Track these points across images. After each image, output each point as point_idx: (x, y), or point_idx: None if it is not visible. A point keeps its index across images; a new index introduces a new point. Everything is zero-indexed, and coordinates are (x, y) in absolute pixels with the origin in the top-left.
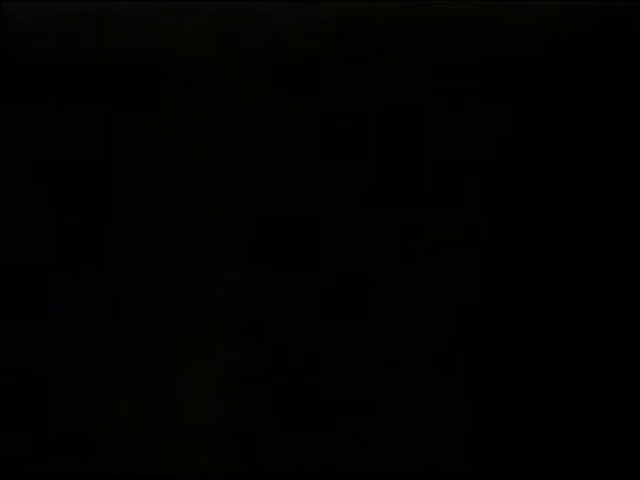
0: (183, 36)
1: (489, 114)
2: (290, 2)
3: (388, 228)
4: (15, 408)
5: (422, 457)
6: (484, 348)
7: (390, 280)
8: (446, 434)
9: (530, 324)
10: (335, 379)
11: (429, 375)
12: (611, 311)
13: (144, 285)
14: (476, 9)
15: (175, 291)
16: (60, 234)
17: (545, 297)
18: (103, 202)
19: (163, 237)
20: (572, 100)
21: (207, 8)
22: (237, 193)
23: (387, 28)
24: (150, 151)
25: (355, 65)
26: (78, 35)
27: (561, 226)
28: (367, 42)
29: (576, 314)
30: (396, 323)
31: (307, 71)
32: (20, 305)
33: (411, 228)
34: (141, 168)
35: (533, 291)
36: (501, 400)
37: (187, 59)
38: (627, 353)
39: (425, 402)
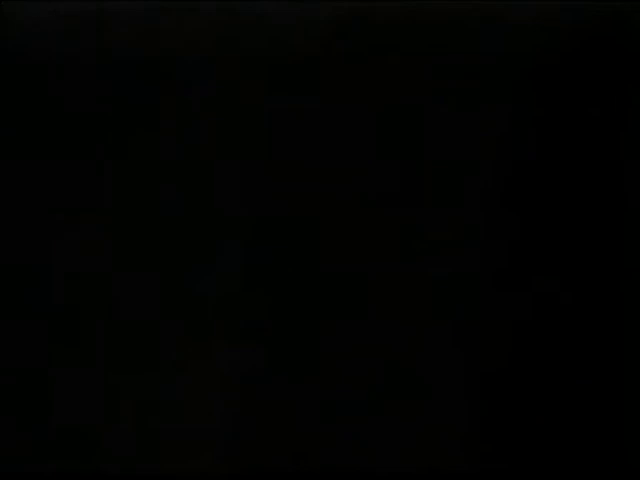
0: (183, 36)
1: (489, 114)
2: (290, 2)
3: (388, 228)
4: (15, 408)
5: (422, 457)
6: (484, 348)
7: (390, 280)
8: (446, 434)
9: (530, 324)
10: (335, 379)
11: (429, 375)
12: (611, 311)
13: (144, 285)
14: (476, 9)
15: (175, 291)
16: (60, 233)
17: (545, 297)
18: (103, 202)
19: (163, 237)
20: (572, 100)
21: (207, 8)
22: (237, 193)
23: (387, 28)
24: (150, 151)
25: (355, 65)
26: (78, 35)
27: (561, 226)
28: (367, 42)
29: (576, 314)
30: (396, 323)
31: (307, 71)
32: (20, 305)
33: (411, 228)
34: (141, 168)
35: (533, 291)
36: (501, 400)
37: (187, 59)
38: (627, 353)
39: (425, 402)
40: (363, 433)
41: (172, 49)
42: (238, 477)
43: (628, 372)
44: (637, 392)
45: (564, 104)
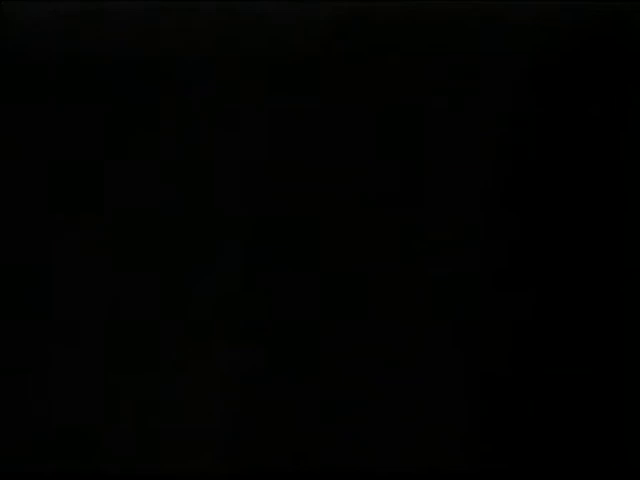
0: (183, 36)
1: (489, 114)
2: (290, 2)
3: (388, 228)
4: (15, 408)
5: (422, 457)
6: (484, 348)
7: (390, 280)
8: (446, 434)
9: (530, 324)
10: (335, 379)
11: (429, 375)
12: (611, 311)
13: (144, 285)
14: (476, 9)
15: (175, 291)
16: (59, 234)
17: (545, 297)
18: (103, 202)
19: (163, 237)
20: (572, 100)
21: (207, 8)
22: (237, 193)
23: (387, 28)
24: (150, 151)
25: (355, 65)
26: (78, 35)
27: (561, 226)
28: (367, 42)
29: (576, 314)
30: (396, 323)
31: (307, 71)
32: (20, 305)
33: (411, 228)
34: (141, 168)
35: (533, 291)
36: (501, 400)
37: (187, 59)
38: (627, 353)
39: (425, 402)
40: (363, 433)
41: (172, 49)
42: (238, 477)
43: (628, 372)
44: (637, 392)
45: (564, 104)
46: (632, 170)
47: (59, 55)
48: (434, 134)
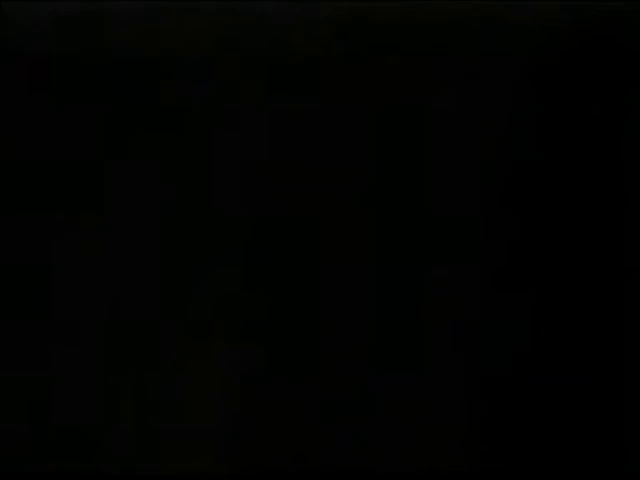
0: (183, 36)
1: (489, 114)
2: (290, 2)
3: (388, 228)
4: (15, 408)
5: (422, 457)
6: (484, 348)
7: (390, 280)
8: (446, 434)
9: (530, 324)
10: (335, 379)
11: (429, 375)
12: (611, 311)
13: (144, 285)
14: (476, 9)
15: (175, 291)
16: (59, 233)
17: (545, 297)
18: (103, 203)
19: (163, 237)
20: (572, 100)
21: (207, 8)
22: (237, 193)
23: (387, 28)
24: (150, 151)
25: (355, 65)
26: (78, 35)
27: (561, 226)
28: (367, 42)
29: (576, 314)
30: (396, 323)
31: (307, 71)
32: (20, 305)
33: (411, 228)
34: (141, 168)
35: (533, 291)
36: (501, 400)
37: (187, 59)
38: (627, 353)
39: (425, 402)
40: (363, 433)
41: (172, 49)
42: (238, 477)
43: (628, 372)
44: (637, 392)
45: (564, 104)
46: (632, 170)
47: (59, 55)
48: (434, 134)
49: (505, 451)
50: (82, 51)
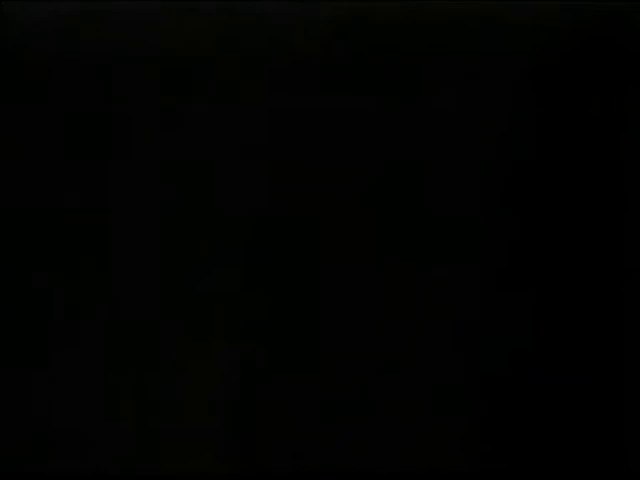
0: (183, 36)
1: (489, 114)
2: (290, 2)
3: (388, 228)
4: (15, 408)
5: (422, 457)
6: (484, 348)
7: (390, 280)
8: (446, 434)
9: (530, 324)
10: (335, 379)
11: (429, 375)
12: (611, 311)
13: (144, 285)
14: (476, 9)
15: (175, 291)
16: (59, 234)
17: (545, 297)
18: (103, 203)
19: (163, 237)
20: (572, 100)
21: (207, 8)
22: (237, 193)
23: (387, 28)
24: (150, 151)
25: (355, 65)
26: (78, 35)
27: (561, 226)
28: (367, 42)
29: (576, 314)
30: (396, 323)
31: (307, 71)
32: (20, 305)
33: (411, 228)
34: (141, 168)
35: (533, 291)
36: (501, 400)
37: (187, 59)
38: (627, 353)
39: (425, 402)
40: (363, 433)
41: (172, 49)
42: (238, 477)
43: (628, 372)
44: (637, 392)
45: (564, 104)
46: (632, 170)
47: (59, 55)
48: (434, 134)
49: (505, 451)
50: (82, 51)
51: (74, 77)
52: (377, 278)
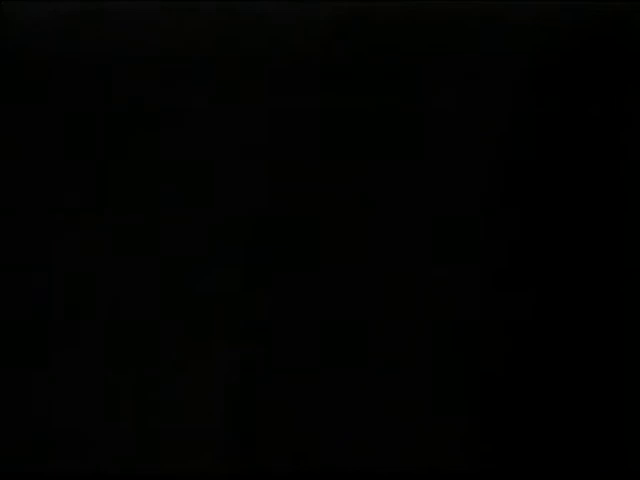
0: (183, 36)
1: (489, 114)
2: (290, 2)
3: (388, 228)
4: (15, 408)
5: (422, 457)
6: (484, 348)
7: (390, 280)
8: (446, 434)
9: (530, 324)
10: (335, 379)
11: (429, 375)
12: (611, 311)
13: (144, 285)
14: (476, 9)
15: (175, 291)
16: (60, 233)
17: (545, 297)
18: (103, 202)
19: (163, 237)
20: (572, 100)
21: (207, 8)
22: (237, 193)
23: (387, 28)
24: (150, 151)
25: (355, 65)
26: (78, 35)
27: (561, 226)
28: (367, 42)
29: (576, 314)
30: (396, 323)
31: (307, 71)
32: (20, 305)
33: (411, 228)
34: (141, 168)
35: (533, 291)
36: (501, 400)
37: (187, 59)
38: (627, 353)
39: (425, 402)
40: (363, 433)
41: (172, 49)
42: (238, 477)
43: (628, 372)
44: (637, 392)
45: (564, 104)
46: (632, 170)
47: (59, 55)
48: (434, 134)
49: (505, 451)
50: (82, 51)
51: (74, 77)
52: (377, 278)
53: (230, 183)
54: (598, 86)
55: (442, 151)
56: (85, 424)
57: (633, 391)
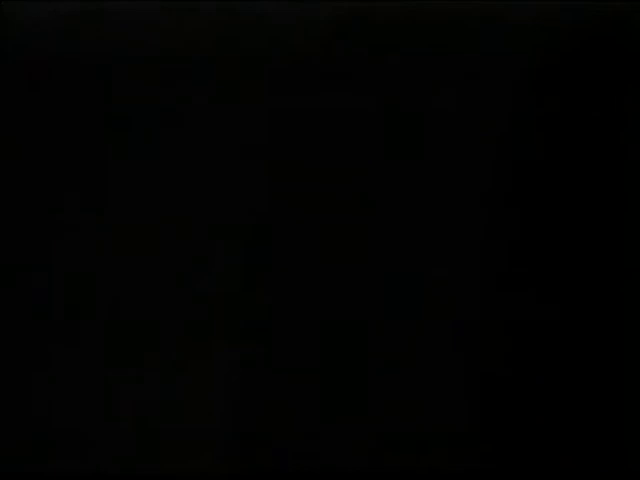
0: (183, 36)
1: (489, 114)
2: (290, 2)
3: (388, 228)
4: (15, 408)
5: (422, 457)
6: (484, 348)
7: (390, 280)
8: (446, 434)
9: (530, 324)
10: (335, 379)
11: (429, 375)
12: (611, 311)
13: (144, 285)
14: (476, 9)
15: (175, 291)
16: (59, 234)
17: (545, 297)
18: (103, 202)
19: (163, 237)
20: (572, 100)
21: (207, 8)
22: (237, 193)
23: (387, 28)
24: (150, 151)
25: (355, 65)
26: (78, 35)
27: (561, 226)
28: (367, 42)
29: (576, 314)
30: (396, 323)
31: (307, 71)
32: (20, 305)
33: (411, 228)
34: (141, 168)
35: (533, 291)
36: (501, 400)
37: (187, 59)
38: (627, 353)
39: (425, 402)
40: (363, 433)
41: (172, 49)
42: (238, 477)
43: (628, 372)
44: (637, 393)
45: (564, 104)
46: (632, 170)
47: (59, 55)
48: (434, 134)
49: (505, 451)
50: (82, 51)
51: (74, 77)
52: (377, 278)
53: (230, 183)
54: (598, 86)
55: (442, 151)
56: (85, 424)
57: (633, 391)
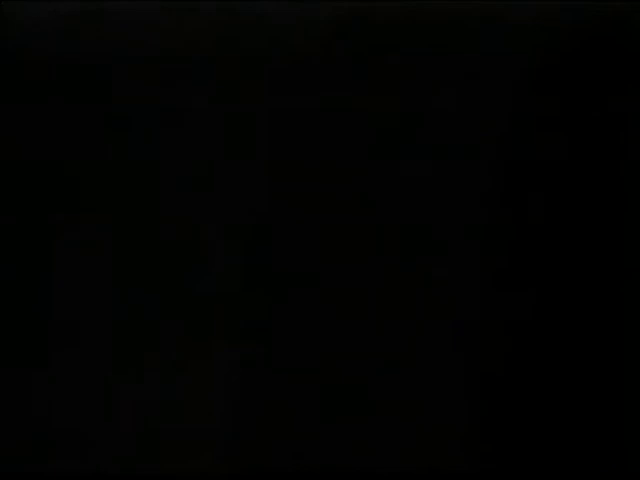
0: (183, 36)
1: (489, 114)
2: (290, 2)
3: (388, 228)
4: (15, 408)
5: (422, 457)
6: (484, 348)
7: (390, 280)
8: (446, 434)
9: (530, 324)
10: (335, 379)
11: (429, 375)
12: (611, 311)
13: (144, 285)
14: (476, 9)
15: (175, 291)
16: (59, 234)
17: (545, 297)
18: (103, 202)
19: (163, 237)
20: (572, 100)
21: (207, 8)
22: (237, 193)
23: (387, 28)
24: (150, 151)
25: (355, 65)
26: (78, 35)
27: (561, 226)
28: (367, 42)
29: (576, 314)
30: (396, 323)
31: (307, 71)
32: (20, 305)
33: (411, 228)
34: (141, 168)
35: (533, 291)
36: (501, 400)
37: (187, 59)
38: (627, 353)
39: (425, 402)
40: (363, 433)
41: (172, 49)
42: (238, 477)
43: (628, 372)
44: (637, 392)
45: (564, 104)
46: (632, 170)
47: (59, 55)
48: (434, 134)
49: (505, 451)
50: (82, 51)
51: (74, 77)
52: (377, 278)
53: (230, 183)
54: (598, 86)
55: (442, 151)
56: (85, 424)
57: (633, 391)
